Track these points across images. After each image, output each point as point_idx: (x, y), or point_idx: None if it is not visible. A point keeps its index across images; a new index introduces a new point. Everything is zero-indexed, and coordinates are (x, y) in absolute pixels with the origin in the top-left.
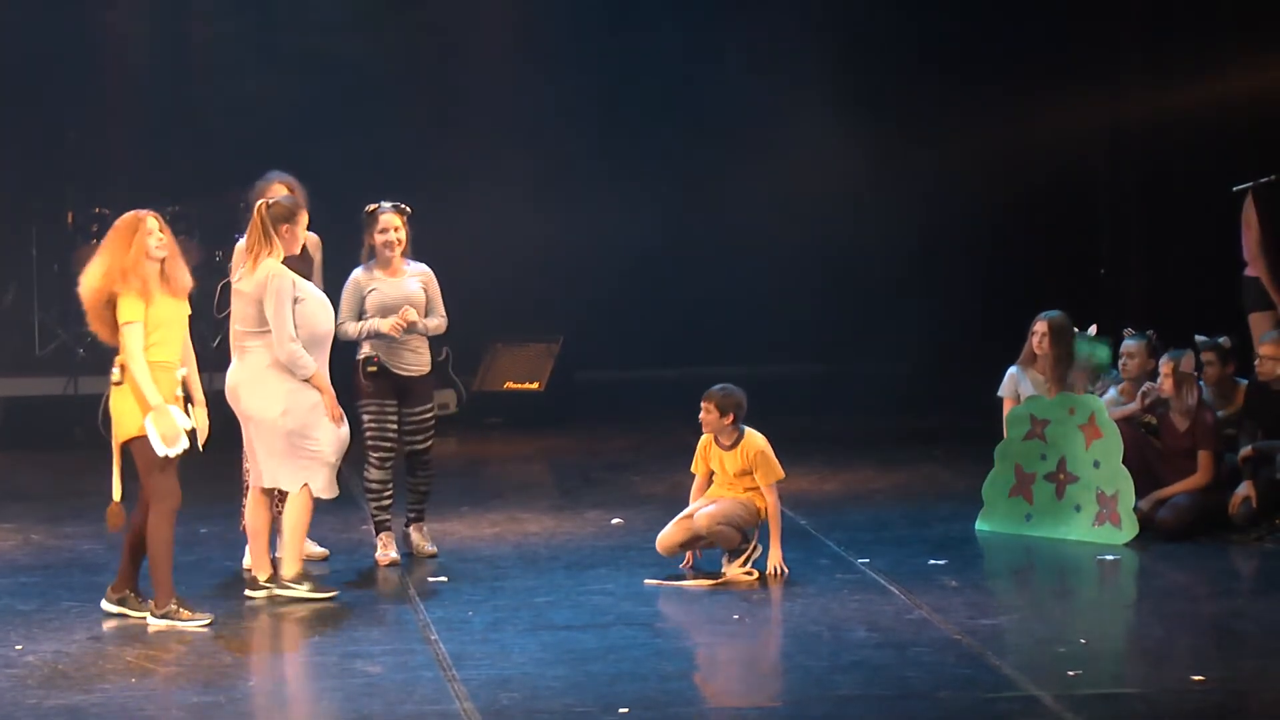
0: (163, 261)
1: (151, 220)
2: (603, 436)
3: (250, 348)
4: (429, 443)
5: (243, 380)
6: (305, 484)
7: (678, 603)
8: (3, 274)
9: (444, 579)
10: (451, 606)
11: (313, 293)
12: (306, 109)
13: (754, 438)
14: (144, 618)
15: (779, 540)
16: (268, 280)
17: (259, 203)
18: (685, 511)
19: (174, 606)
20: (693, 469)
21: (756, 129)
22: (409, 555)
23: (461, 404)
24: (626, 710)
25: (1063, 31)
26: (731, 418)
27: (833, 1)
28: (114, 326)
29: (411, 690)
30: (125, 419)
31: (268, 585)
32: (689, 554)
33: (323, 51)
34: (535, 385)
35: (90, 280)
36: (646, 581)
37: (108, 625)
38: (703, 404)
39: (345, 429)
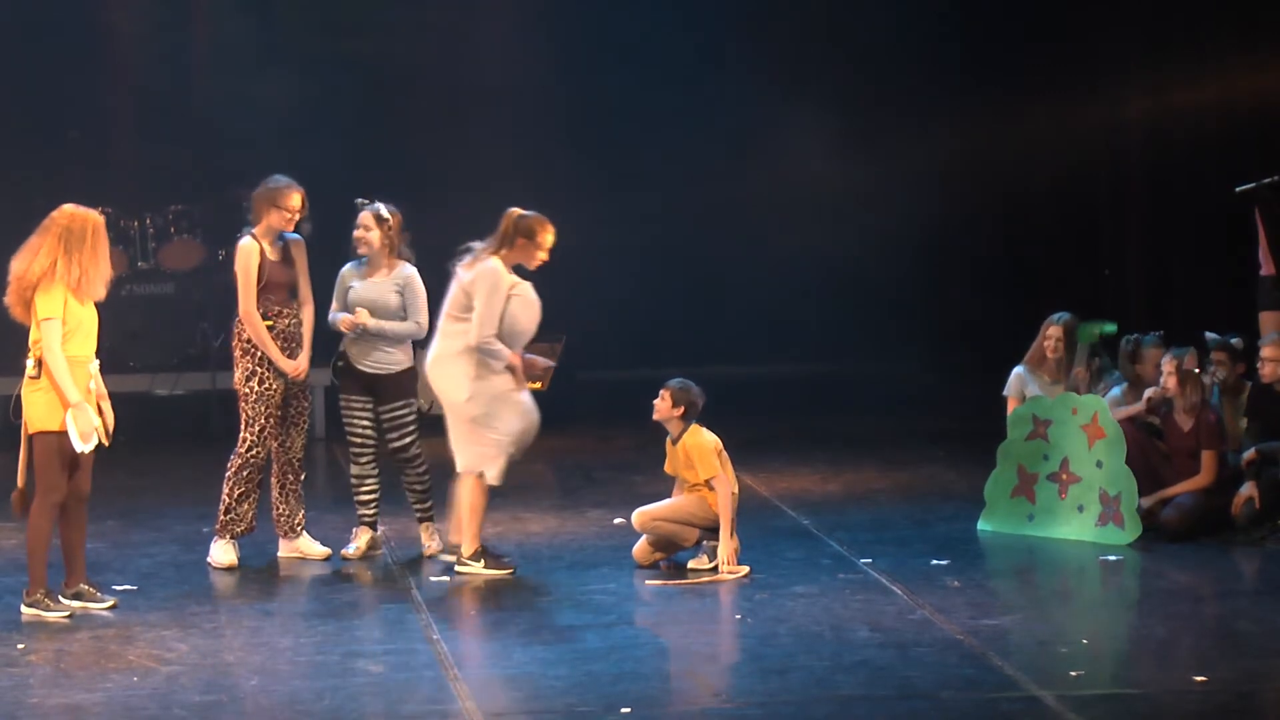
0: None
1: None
2: (605, 436)
3: (447, 332)
4: (407, 439)
5: (433, 361)
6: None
7: (679, 602)
8: (4, 272)
9: (446, 578)
10: (453, 606)
11: (526, 293)
12: (306, 109)
13: (694, 434)
14: (106, 608)
15: (728, 532)
16: (485, 275)
17: (511, 209)
18: None
19: (41, 596)
20: (666, 469)
21: (758, 130)
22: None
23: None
24: (629, 710)
25: (1063, 31)
26: (682, 411)
27: (834, 3)
28: (33, 310)
29: (414, 690)
30: (36, 412)
31: (471, 561)
32: (662, 558)
33: (323, 51)
34: (538, 385)
35: (40, 264)
36: (648, 582)
37: (109, 625)
38: (660, 391)
39: (534, 418)
